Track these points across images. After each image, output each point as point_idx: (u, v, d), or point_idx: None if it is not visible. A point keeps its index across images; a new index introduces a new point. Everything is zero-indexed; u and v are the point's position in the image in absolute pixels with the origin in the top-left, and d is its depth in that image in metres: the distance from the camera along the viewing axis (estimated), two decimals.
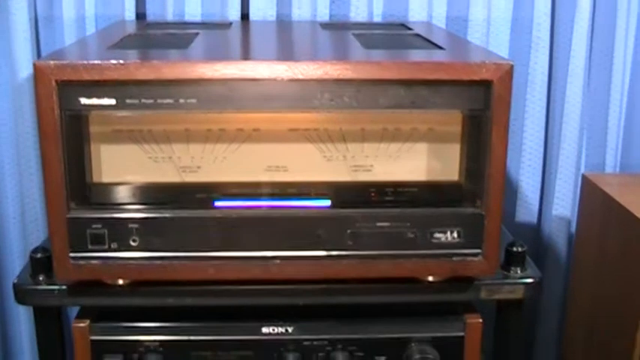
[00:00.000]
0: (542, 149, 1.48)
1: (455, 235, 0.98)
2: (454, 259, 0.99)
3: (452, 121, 0.97)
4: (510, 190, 1.50)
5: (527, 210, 1.50)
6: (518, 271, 1.05)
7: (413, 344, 1.06)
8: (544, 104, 1.45)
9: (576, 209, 1.44)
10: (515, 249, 1.05)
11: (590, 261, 1.36)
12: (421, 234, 0.98)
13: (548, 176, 1.48)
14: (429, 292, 1.03)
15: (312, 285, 1.01)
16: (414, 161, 0.99)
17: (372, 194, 0.98)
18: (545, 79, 1.44)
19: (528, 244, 1.46)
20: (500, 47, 1.44)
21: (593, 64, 1.44)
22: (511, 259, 1.05)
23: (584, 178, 1.35)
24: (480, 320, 1.06)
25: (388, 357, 1.06)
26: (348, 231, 0.97)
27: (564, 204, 1.46)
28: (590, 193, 1.32)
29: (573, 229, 1.47)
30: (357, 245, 0.97)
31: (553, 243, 1.49)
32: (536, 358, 1.57)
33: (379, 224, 0.97)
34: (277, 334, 1.05)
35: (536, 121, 1.46)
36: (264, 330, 1.05)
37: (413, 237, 0.98)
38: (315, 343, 1.05)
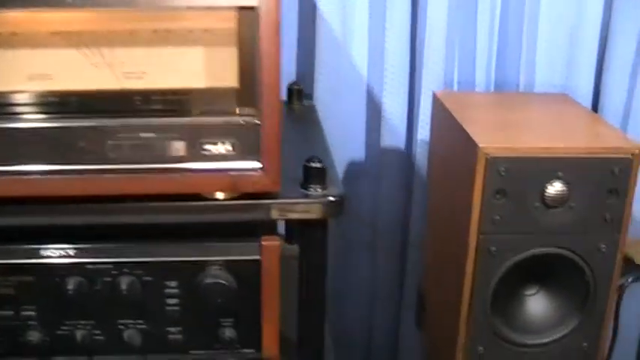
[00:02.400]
0: (407, 70, 1.38)
1: (229, 146, 0.90)
2: (231, 173, 0.91)
3: (226, 21, 0.88)
4: (375, 113, 1.41)
5: (393, 134, 1.41)
6: (318, 189, 0.96)
7: (206, 268, 0.98)
8: (407, 20, 1.35)
9: None
10: (312, 164, 0.96)
11: (439, 178, 1.28)
12: (191, 146, 0.89)
13: (415, 98, 1.39)
14: (215, 211, 0.95)
15: (88, 203, 0.93)
16: (188, 67, 0.90)
17: (138, 103, 0.90)
18: None
19: (396, 169, 1.39)
20: None
21: None
22: (309, 176, 0.96)
23: (434, 96, 1.26)
24: (278, 243, 0.98)
25: (180, 282, 0.99)
26: (110, 142, 0.89)
27: (429, 126, 1.36)
28: (439, 112, 1.23)
29: None
30: (120, 158, 0.89)
31: (419, 167, 1.40)
32: (407, 272, 1.49)
33: (143, 135, 0.89)
34: (58, 257, 0.97)
35: (397, 39, 1.36)
36: (44, 253, 0.97)
37: (182, 149, 0.89)
38: (99, 267, 0.97)
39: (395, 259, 1.50)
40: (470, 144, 1.05)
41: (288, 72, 1.37)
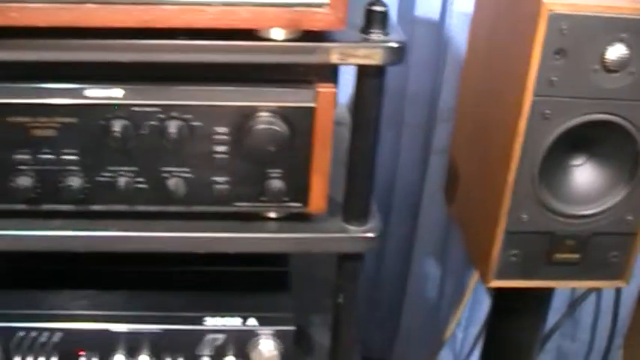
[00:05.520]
0: None
1: None
2: (296, 9, 0.85)
3: None
4: None
5: (427, 4, 1.35)
6: (380, 35, 0.92)
7: (258, 114, 0.94)
8: None
9: None
10: (375, 8, 0.91)
11: (480, 48, 1.23)
12: None
13: None
14: (272, 51, 0.90)
15: (134, 39, 0.87)
16: None
17: None
18: None
19: (429, 41, 1.34)
20: None
21: None
22: (372, 20, 0.92)
23: None
24: (333, 90, 0.93)
25: (230, 128, 0.94)
26: None
27: None
28: None
29: None
30: None
31: (453, 40, 1.35)
32: (433, 148, 1.47)
33: None
34: (103, 97, 0.92)
35: None
36: (88, 93, 0.92)
37: None
38: (146, 109, 0.93)
39: (421, 134, 1.46)
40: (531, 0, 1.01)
41: None
